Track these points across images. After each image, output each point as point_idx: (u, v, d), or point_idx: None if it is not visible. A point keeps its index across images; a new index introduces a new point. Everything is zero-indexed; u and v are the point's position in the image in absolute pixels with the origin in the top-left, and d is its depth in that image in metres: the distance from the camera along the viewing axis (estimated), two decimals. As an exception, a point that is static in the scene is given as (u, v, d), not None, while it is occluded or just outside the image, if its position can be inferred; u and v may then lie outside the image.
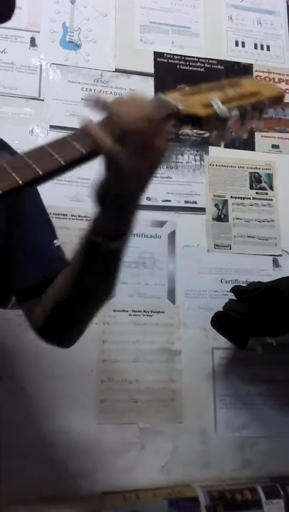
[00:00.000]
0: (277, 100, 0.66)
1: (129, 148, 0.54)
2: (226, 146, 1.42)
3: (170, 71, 1.45)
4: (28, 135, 1.29)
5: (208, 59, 1.49)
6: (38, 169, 0.52)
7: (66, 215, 1.24)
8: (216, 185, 1.40)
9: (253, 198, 1.41)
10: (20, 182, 0.51)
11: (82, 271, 0.66)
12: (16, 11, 1.40)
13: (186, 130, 1.49)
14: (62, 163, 0.53)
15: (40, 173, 0.52)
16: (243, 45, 1.54)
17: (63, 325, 0.74)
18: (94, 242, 0.62)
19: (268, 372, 1.28)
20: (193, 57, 1.48)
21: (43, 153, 0.54)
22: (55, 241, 0.82)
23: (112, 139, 0.54)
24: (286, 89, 1.53)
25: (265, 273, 1.35)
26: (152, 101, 0.61)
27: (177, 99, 0.61)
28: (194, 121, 0.59)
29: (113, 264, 0.66)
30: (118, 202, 0.60)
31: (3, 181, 0.50)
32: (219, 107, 0.59)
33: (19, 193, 0.79)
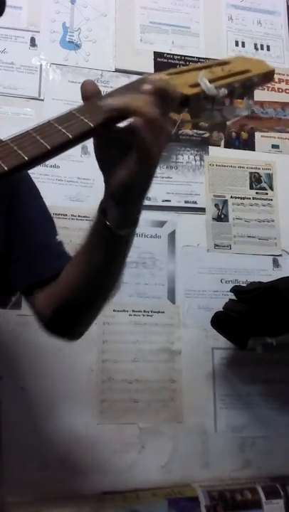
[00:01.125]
0: (267, 77, 0.64)
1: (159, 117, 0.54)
2: (226, 146, 1.43)
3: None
4: (28, 135, 1.29)
5: (208, 59, 1.48)
6: (46, 144, 0.51)
7: (66, 215, 1.24)
8: (216, 185, 1.40)
9: (253, 198, 1.41)
10: (26, 158, 0.50)
11: (95, 257, 0.66)
12: (16, 11, 1.41)
13: (186, 130, 1.49)
14: (70, 136, 0.51)
15: (49, 147, 0.51)
16: (243, 45, 1.54)
17: (72, 317, 0.75)
18: (111, 231, 0.62)
19: (268, 372, 1.28)
20: (193, 57, 1.48)
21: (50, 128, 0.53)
22: (57, 236, 0.83)
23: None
24: (286, 89, 1.54)
25: (265, 273, 1.35)
26: (137, 81, 0.59)
27: (163, 78, 0.59)
28: (181, 101, 0.57)
29: (124, 251, 0.66)
30: (143, 191, 0.60)
31: (11, 158, 0.49)
32: (206, 85, 0.58)
33: (18, 187, 0.79)
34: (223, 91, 0.59)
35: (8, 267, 0.78)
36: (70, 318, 0.75)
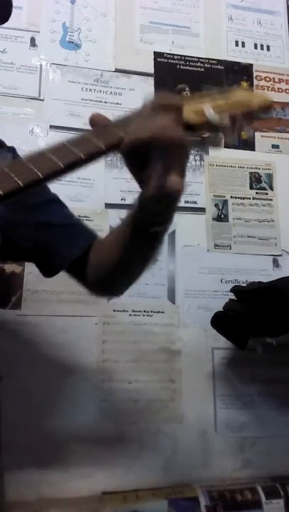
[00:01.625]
0: (266, 109, 0.69)
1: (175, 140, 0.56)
2: (226, 146, 1.42)
3: (170, 71, 1.45)
4: (28, 135, 1.29)
5: (208, 59, 1.49)
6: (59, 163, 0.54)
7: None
8: (216, 185, 1.40)
9: (253, 198, 1.41)
10: (40, 176, 0.53)
11: (124, 248, 0.71)
12: (16, 11, 1.40)
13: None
14: (82, 157, 0.54)
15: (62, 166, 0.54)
16: (243, 45, 1.54)
17: (112, 283, 0.81)
18: (147, 228, 0.65)
19: (268, 372, 1.28)
20: (193, 57, 1.48)
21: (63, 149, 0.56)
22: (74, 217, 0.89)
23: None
24: (286, 89, 1.54)
25: (265, 273, 1.35)
26: (150, 104, 0.63)
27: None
28: (187, 128, 0.61)
29: (155, 246, 0.70)
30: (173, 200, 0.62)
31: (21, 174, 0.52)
32: (211, 114, 0.62)
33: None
34: (226, 120, 0.63)
35: (47, 251, 0.84)
36: (110, 284, 0.82)
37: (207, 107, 0.62)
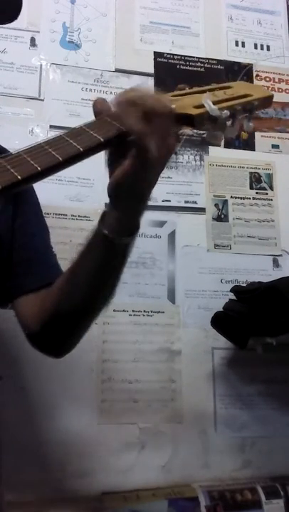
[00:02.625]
0: (267, 102, 0.69)
1: (154, 132, 0.55)
2: (226, 146, 1.42)
3: (170, 71, 1.45)
4: (28, 135, 1.29)
5: (208, 59, 1.49)
6: (57, 156, 0.53)
7: (66, 215, 1.23)
8: (216, 185, 1.40)
9: (253, 198, 1.41)
10: (39, 169, 0.52)
11: (91, 266, 0.66)
12: (16, 11, 1.39)
13: (186, 130, 1.49)
14: (81, 149, 0.53)
15: (60, 159, 0.53)
16: (243, 45, 1.54)
17: (60, 332, 0.73)
18: (108, 239, 0.62)
19: (268, 372, 1.28)
20: (193, 57, 1.48)
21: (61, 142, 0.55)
22: (52, 249, 0.83)
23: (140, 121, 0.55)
24: (286, 89, 1.54)
25: (265, 273, 1.35)
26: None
27: (169, 100, 0.62)
28: (187, 120, 0.61)
29: (119, 262, 0.66)
30: (139, 196, 0.61)
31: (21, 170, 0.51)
32: (210, 106, 0.61)
33: (24, 196, 0.80)
34: (226, 113, 0.63)
35: (9, 274, 0.78)
36: (58, 334, 0.73)
37: (206, 100, 0.62)
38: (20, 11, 0.85)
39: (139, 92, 0.58)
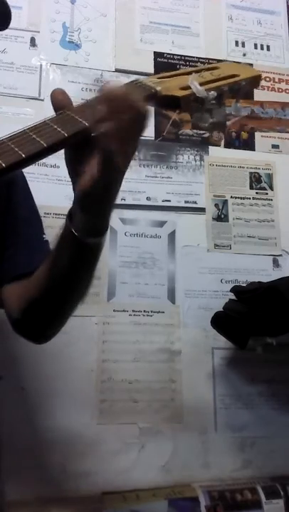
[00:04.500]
0: (254, 82, 0.68)
1: (118, 130, 0.53)
2: (226, 146, 1.43)
3: (170, 71, 1.44)
4: (28, 135, 1.29)
5: (208, 59, 1.49)
6: (42, 142, 0.51)
7: (66, 215, 1.23)
8: (216, 185, 1.40)
9: (253, 198, 1.41)
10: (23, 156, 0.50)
11: (61, 267, 0.66)
12: (16, 11, 1.41)
13: (186, 130, 1.50)
14: (45, 145, 0.52)
15: (45, 145, 0.51)
16: (243, 45, 1.54)
17: (39, 320, 0.74)
18: (77, 238, 0.61)
19: (268, 372, 1.28)
20: (193, 57, 1.48)
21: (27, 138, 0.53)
22: (43, 235, 0.83)
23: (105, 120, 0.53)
24: (286, 89, 1.54)
25: (265, 273, 1.35)
26: (130, 84, 0.61)
27: (155, 82, 0.61)
28: (173, 103, 0.60)
29: (90, 261, 0.66)
30: (107, 199, 0.59)
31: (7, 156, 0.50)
32: (196, 87, 0.60)
33: (15, 184, 0.80)
34: (213, 93, 0.61)
35: (2, 257, 0.79)
36: (36, 321, 0.74)
37: (192, 81, 0.61)
38: (8, 19, 0.84)
39: (108, 90, 0.55)
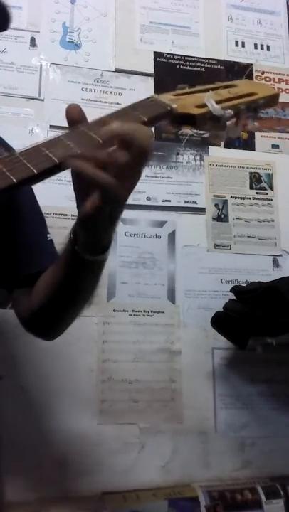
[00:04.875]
0: (272, 100, 0.67)
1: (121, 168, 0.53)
2: (226, 146, 1.42)
3: (170, 71, 1.45)
4: (28, 135, 1.29)
5: (208, 59, 1.49)
6: (32, 168, 0.51)
7: (66, 215, 1.23)
8: (216, 185, 1.40)
9: (253, 198, 1.41)
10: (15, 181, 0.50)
11: (64, 278, 0.68)
12: (16, 11, 1.41)
13: (186, 130, 1.49)
14: (35, 171, 0.51)
15: (35, 172, 0.51)
16: (243, 45, 1.54)
17: (46, 322, 0.77)
18: (78, 255, 0.62)
19: (268, 372, 1.28)
20: (193, 57, 1.48)
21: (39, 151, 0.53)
22: (48, 235, 0.84)
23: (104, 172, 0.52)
24: (286, 89, 1.54)
25: (265, 273, 1.35)
26: (145, 100, 0.61)
27: (171, 99, 0.61)
28: (188, 120, 0.59)
29: (92, 277, 0.68)
30: (110, 221, 0.59)
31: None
32: (213, 106, 0.60)
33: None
34: (229, 112, 0.61)
35: (10, 259, 0.80)
36: (45, 323, 0.77)
37: (209, 99, 0.60)
38: (8, 21, 0.84)
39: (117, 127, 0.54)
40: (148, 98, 0.62)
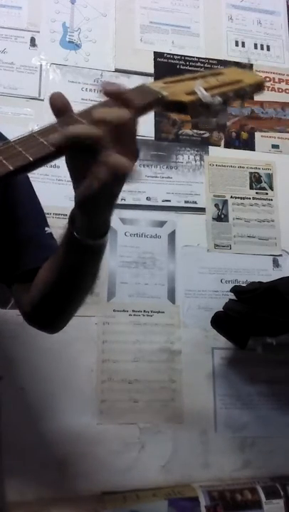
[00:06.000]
0: (258, 88, 0.68)
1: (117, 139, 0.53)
2: (226, 146, 1.42)
3: (170, 71, 1.44)
4: (28, 135, 1.29)
5: (208, 59, 1.49)
6: (28, 156, 0.51)
7: (66, 215, 1.21)
8: (216, 185, 1.40)
9: (253, 198, 1.41)
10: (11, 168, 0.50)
11: (65, 267, 0.68)
12: (16, 11, 1.41)
13: (186, 130, 1.50)
14: (31, 159, 0.51)
15: (31, 159, 0.51)
16: (243, 45, 1.54)
17: (48, 314, 0.77)
18: (78, 240, 0.62)
19: (268, 372, 1.28)
20: (193, 57, 1.48)
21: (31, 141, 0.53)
22: (46, 228, 0.84)
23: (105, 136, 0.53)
24: (286, 89, 1.54)
25: (265, 273, 1.35)
26: (136, 89, 0.62)
27: (161, 86, 0.62)
28: (179, 108, 0.60)
29: (92, 262, 0.67)
30: (108, 203, 0.60)
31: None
32: (203, 93, 0.61)
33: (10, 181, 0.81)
34: (218, 99, 0.62)
35: (9, 256, 0.80)
36: (46, 315, 0.77)
37: (198, 87, 0.61)
38: None
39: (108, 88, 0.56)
40: (139, 86, 0.63)
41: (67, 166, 0.58)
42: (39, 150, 0.52)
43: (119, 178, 0.54)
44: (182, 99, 0.60)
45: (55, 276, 0.71)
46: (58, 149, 0.52)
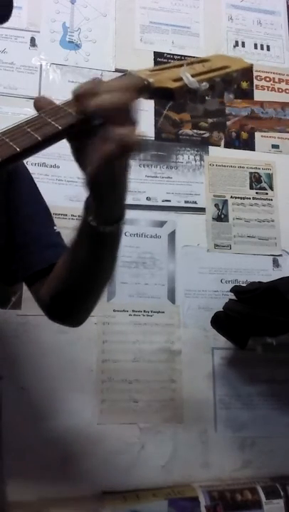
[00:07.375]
0: (245, 72, 0.69)
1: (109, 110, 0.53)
2: (226, 146, 1.43)
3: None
4: (28, 135, 1.29)
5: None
6: (37, 136, 0.52)
7: (66, 215, 1.23)
8: (216, 185, 1.40)
9: (253, 198, 1.41)
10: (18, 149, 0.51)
11: (82, 258, 0.68)
12: (16, 11, 1.41)
13: (186, 130, 1.50)
14: (39, 139, 0.52)
15: (40, 139, 0.52)
16: (243, 45, 1.54)
17: (68, 305, 0.77)
18: (93, 228, 0.62)
19: (268, 372, 1.28)
20: (193, 57, 1.46)
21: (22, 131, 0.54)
22: (54, 227, 0.84)
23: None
24: (286, 89, 1.54)
25: (265, 273, 1.35)
26: (122, 76, 0.62)
27: (147, 74, 0.62)
28: (166, 94, 0.60)
29: (110, 249, 0.67)
30: (116, 184, 0.59)
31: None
32: (188, 79, 0.61)
33: (16, 178, 0.81)
34: (205, 85, 0.62)
35: (12, 257, 0.81)
36: (67, 306, 0.77)
37: (184, 73, 0.61)
38: (11, 11, 0.84)
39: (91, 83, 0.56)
40: (124, 74, 0.63)
41: (73, 156, 0.58)
42: (47, 130, 0.52)
43: (124, 149, 0.54)
44: (168, 85, 0.60)
45: (72, 267, 0.71)
46: (69, 128, 0.52)
